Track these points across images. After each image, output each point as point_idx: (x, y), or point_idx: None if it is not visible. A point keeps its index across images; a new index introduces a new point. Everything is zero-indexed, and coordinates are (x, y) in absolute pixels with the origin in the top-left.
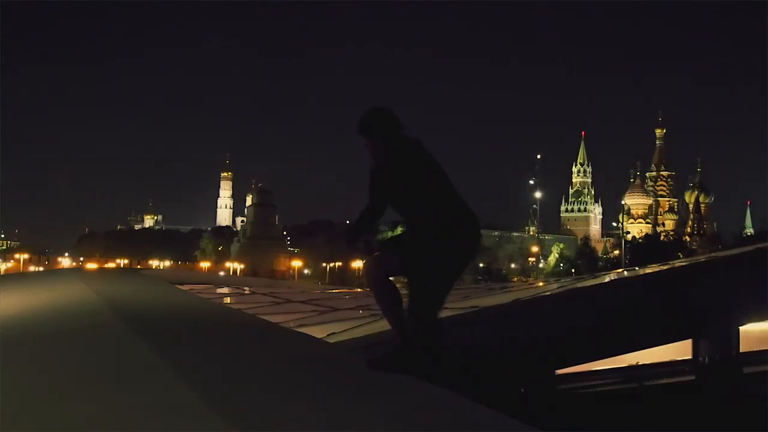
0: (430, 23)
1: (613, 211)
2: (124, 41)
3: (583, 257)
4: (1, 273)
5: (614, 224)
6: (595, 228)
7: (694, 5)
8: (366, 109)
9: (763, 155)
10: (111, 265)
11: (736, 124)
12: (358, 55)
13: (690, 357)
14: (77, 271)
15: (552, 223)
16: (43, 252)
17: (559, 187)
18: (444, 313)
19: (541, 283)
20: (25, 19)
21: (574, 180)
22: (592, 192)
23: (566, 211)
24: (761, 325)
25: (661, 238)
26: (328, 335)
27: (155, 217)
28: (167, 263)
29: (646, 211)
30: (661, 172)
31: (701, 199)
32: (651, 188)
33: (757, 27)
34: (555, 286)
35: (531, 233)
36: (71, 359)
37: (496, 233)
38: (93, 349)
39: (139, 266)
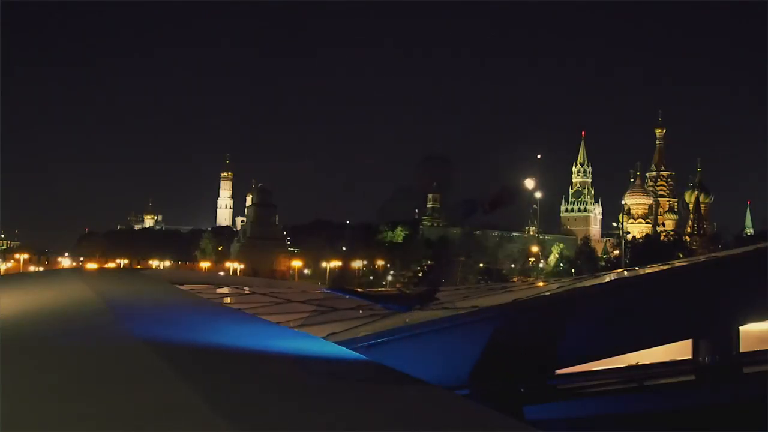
0: (429, 22)
1: (613, 211)
2: (124, 41)
3: (583, 257)
4: (1, 273)
5: (614, 224)
6: (595, 228)
7: (694, 5)
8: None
9: (763, 155)
10: (111, 265)
11: (736, 124)
12: (358, 54)
13: (690, 357)
14: (77, 271)
15: (552, 223)
16: (43, 252)
17: (559, 187)
18: (444, 314)
19: (541, 283)
20: (23, 17)
21: (574, 180)
22: (592, 192)
23: (566, 211)
24: (761, 325)
25: (661, 238)
26: (328, 335)
27: (155, 217)
28: (167, 263)
29: (646, 211)
30: (661, 172)
31: (701, 199)
32: (651, 188)
33: (757, 27)
34: (555, 286)
35: (531, 233)
36: (71, 359)
37: (496, 233)
38: (93, 349)
39: (139, 266)
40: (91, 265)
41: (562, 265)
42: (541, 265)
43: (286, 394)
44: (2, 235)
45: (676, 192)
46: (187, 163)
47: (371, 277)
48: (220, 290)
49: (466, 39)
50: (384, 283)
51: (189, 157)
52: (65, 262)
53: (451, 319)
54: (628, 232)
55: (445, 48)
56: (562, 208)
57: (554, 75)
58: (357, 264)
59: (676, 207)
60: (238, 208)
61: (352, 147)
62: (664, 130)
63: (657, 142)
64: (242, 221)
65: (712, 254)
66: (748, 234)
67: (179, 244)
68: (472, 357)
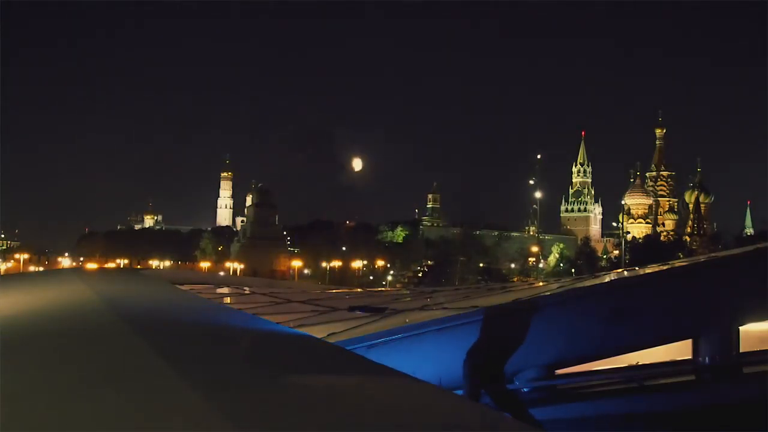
0: (430, 22)
1: (613, 211)
2: (123, 40)
3: (583, 257)
4: (1, 273)
5: (614, 224)
6: (595, 228)
7: (694, 5)
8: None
9: (763, 155)
10: (111, 265)
11: (736, 124)
12: (358, 53)
13: (690, 357)
14: (77, 271)
15: (552, 223)
16: (43, 252)
17: (559, 187)
18: (444, 313)
19: (541, 283)
20: (23, 16)
21: (574, 180)
22: (592, 192)
23: (566, 211)
24: (761, 325)
25: (661, 238)
26: (328, 335)
27: (155, 217)
28: (167, 263)
29: (646, 211)
30: (661, 172)
31: (701, 199)
32: (651, 188)
33: (757, 27)
34: (555, 286)
35: (531, 233)
36: (71, 359)
37: (496, 233)
38: (93, 349)
39: (139, 266)
40: (91, 265)
41: (562, 265)
42: (541, 265)
43: (286, 394)
44: (2, 235)
45: (676, 192)
46: (187, 163)
47: (371, 277)
48: (220, 290)
49: (465, 39)
50: (384, 283)
51: (189, 157)
52: (65, 262)
53: (451, 319)
54: (628, 232)
55: (443, 48)
56: (562, 208)
57: (554, 75)
58: (357, 264)
59: (676, 207)
60: (238, 208)
61: (353, 146)
62: (664, 130)
63: (657, 142)
64: (242, 221)
65: (712, 254)
66: (748, 234)
67: (179, 244)
68: (472, 357)
